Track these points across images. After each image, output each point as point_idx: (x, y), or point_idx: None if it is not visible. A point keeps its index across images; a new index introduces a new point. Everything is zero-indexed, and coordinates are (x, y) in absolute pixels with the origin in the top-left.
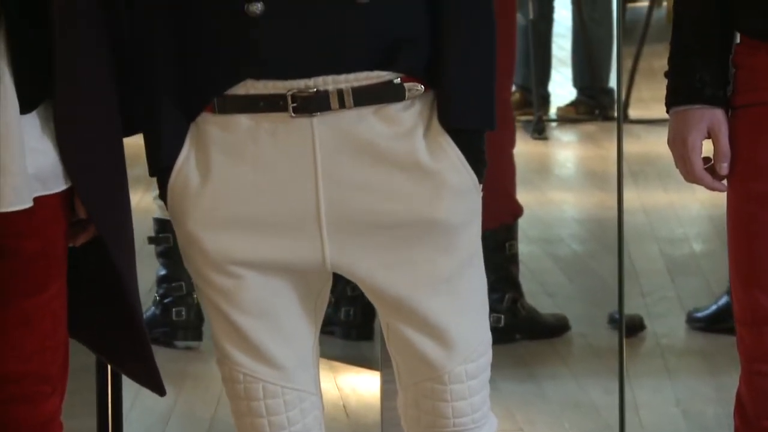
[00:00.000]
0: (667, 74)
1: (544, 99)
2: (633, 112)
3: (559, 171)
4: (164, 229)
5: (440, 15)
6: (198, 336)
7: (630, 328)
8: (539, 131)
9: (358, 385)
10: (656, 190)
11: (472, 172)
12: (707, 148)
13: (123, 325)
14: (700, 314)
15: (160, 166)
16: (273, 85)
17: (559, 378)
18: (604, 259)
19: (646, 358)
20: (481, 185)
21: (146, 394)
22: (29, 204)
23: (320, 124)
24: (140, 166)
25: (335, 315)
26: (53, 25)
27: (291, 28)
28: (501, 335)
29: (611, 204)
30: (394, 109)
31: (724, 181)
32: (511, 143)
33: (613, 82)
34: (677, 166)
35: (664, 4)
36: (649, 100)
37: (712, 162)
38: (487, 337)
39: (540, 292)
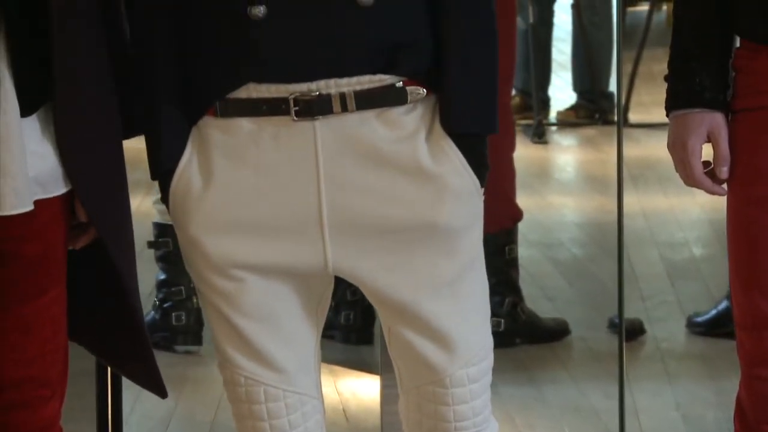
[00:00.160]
0: (666, 78)
1: (544, 103)
2: (633, 116)
3: (559, 175)
4: (164, 233)
5: (442, 19)
6: (198, 340)
7: (630, 332)
8: (539, 135)
9: (358, 390)
10: (656, 194)
11: (474, 176)
12: (707, 152)
13: (123, 326)
14: (700, 319)
15: (162, 170)
16: (275, 89)
17: (559, 382)
18: (604, 263)
19: (646, 363)
20: (483, 189)
21: (146, 398)
22: (30, 207)
23: (322, 127)
24: (140, 170)
25: (335, 319)
26: (52, 27)
27: (293, 31)
28: (501, 339)
29: (611, 208)
30: (396, 112)
31: (724, 185)
32: (511, 147)
33: (613, 86)
34: (677, 170)
35: (664, 8)
36: (649, 104)
37: (712, 166)
38: (489, 340)
39: (540, 296)
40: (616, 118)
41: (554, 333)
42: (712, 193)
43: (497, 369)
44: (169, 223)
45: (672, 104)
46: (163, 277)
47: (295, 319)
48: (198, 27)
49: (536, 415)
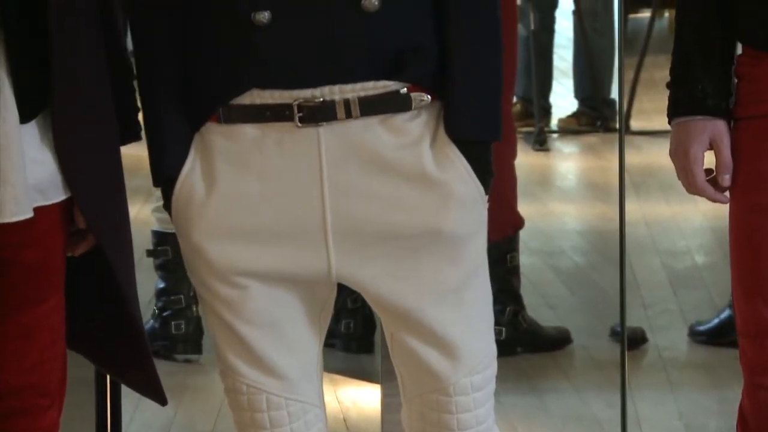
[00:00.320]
0: (668, 85)
1: (546, 110)
2: (635, 124)
3: (561, 182)
4: (163, 241)
5: (447, 25)
6: (198, 349)
7: (632, 340)
8: (540, 142)
9: (358, 399)
10: (658, 202)
11: (478, 183)
12: (709, 159)
13: (123, 333)
14: (702, 327)
15: (165, 177)
16: (279, 95)
17: (561, 391)
18: (606, 271)
19: (648, 371)
20: (487, 196)
21: (145, 407)
22: (30, 215)
23: (326, 133)
24: (138, 177)
25: (336, 327)
26: (51, 25)
27: (297, 37)
28: (502, 348)
29: (613, 216)
30: (400, 119)
31: (727, 193)
32: (513, 155)
33: (614, 93)
34: (679, 178)
35: (666, 14)
36: (650, 112)
37: (714, 174)
38: (493, 348)
39: (541, 304)
40: (617, 126)
41: (556, 342)
42: (715, 200)
43: (498, 378)
44: (169, 231)
45: (674, 111)
46: (162, 285)
47: (297, 326)
48: (201, 33)
49: (538, 425)
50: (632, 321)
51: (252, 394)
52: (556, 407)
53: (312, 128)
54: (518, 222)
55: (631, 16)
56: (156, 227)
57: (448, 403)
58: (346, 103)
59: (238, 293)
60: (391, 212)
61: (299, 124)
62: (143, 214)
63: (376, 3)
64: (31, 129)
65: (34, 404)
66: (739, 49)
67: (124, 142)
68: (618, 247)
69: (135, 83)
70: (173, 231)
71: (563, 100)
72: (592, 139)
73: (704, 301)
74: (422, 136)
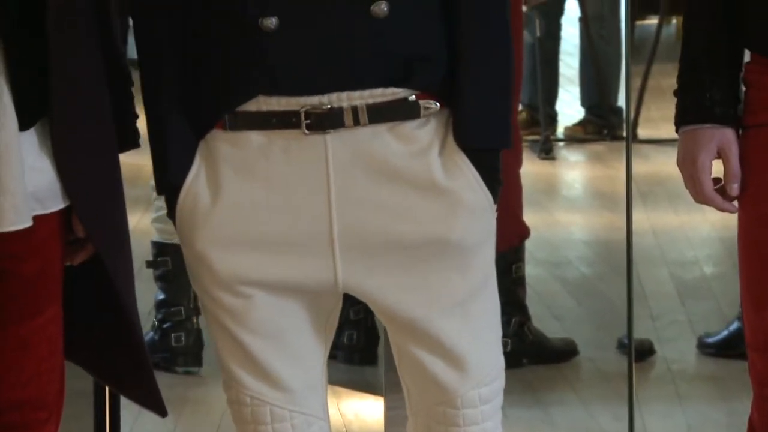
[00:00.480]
0: (676, 93)
1: (552, 118)
2: (642, 132)
3: (567, 192)
4: (163, 252)
5: (456, 32)
6: (198, 361)
7: (639, 352)
8: (546, 151)
9: (361, 411)
10: (666, 212)
11: (487, 191)
12: (717, 168)
13: (122, 343)
14: (711, 339)
15: (169, 185)
16: (286, 102)
17: (567, 404)
18: (613, 281)
19: (656, 384)
20: (496, 205)
21: (145, 419)
22: (29, 223)
23: (334, 141)
24: (138, 187)
25: (338, 339)
26: (50, 26)
27: (305, 44)
28: (508, 360)
29: (620, 225)
30: (409, 126)
31: (735, 202)
32: (518, 163)
33: (621, 101)
34: (687, 187)
35: (674, 21)
36: (658, 120)
37: (723, 183)
38: (501, 360)
39: (547, 315)
40: (624, 134)
41: (562, 353)
42: (723, 210)
43: (503, 390)
44: (168, 241)
45: (681, 119)
46: (162, 297)
47: (303, 336)
48: (207, 39)
49: None
50: (640, 332)
51: (256, 406)
52: (563, 420)
53: (319, 135)
54: (524, 232)
55: (638, 22)
56: (156, 238)
57: (455, 416)
58: (354, 110)
59: (243, 303)
60: (399, 221)
61: (306, 131)
62: (143, 224)
63: (386, 9)
64: (30, 136)
65: (33, 419)
66: (747, 57)
67: (123, 150)
68: (625, 257)
69: (133, 90)
70: (173, 242)
71: (569, 108)
72: (598, 147)
73: (713, 312)
74: (431, 143)
